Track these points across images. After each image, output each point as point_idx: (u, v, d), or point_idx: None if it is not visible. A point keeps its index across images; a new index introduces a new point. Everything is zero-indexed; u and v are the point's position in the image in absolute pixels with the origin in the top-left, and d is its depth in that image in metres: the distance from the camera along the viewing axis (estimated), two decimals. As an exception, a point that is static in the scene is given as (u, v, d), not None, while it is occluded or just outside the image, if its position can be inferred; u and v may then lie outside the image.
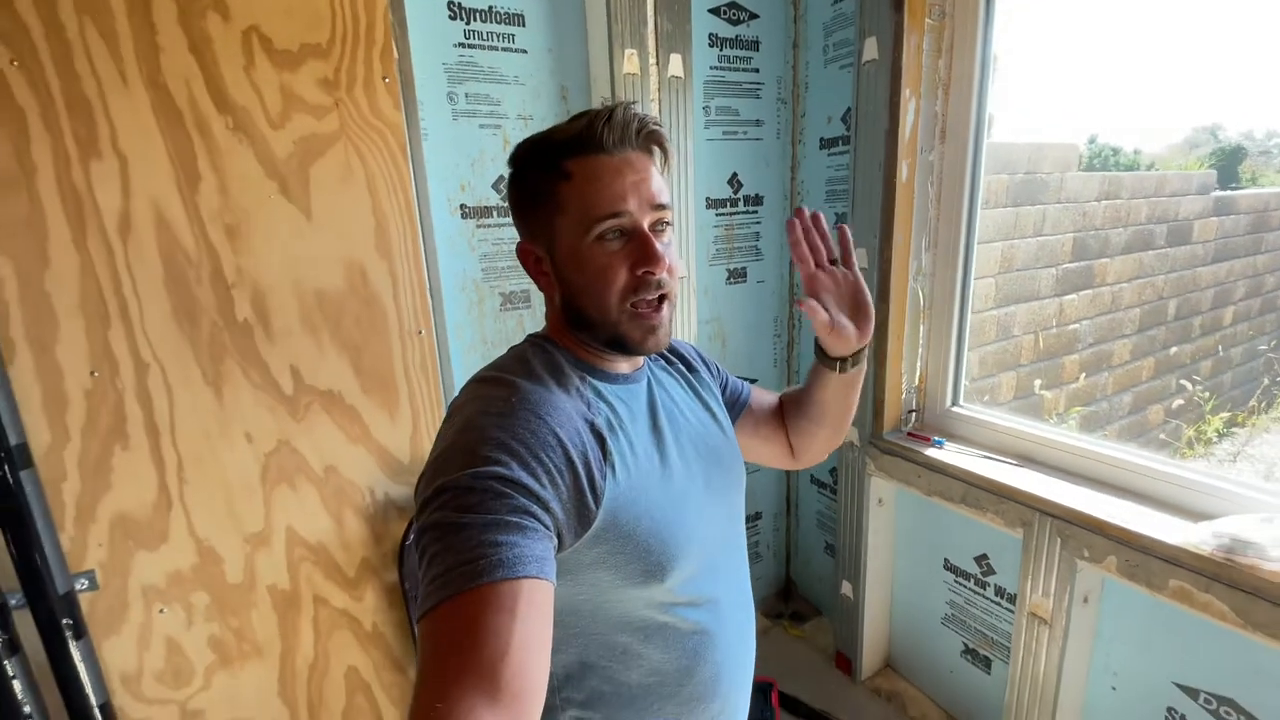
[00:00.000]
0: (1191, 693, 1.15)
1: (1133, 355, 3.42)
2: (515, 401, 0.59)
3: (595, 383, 0.67)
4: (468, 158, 1.37)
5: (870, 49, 1.46)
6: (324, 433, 1.17)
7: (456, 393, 1.19)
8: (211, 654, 1.15)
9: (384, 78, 1.13)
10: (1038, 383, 2.92)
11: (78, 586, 1.03)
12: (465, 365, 1.44)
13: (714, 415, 0.79)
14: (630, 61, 1.42)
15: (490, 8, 1.34)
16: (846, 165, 1.64)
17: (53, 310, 0.97)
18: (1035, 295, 2.84)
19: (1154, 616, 1.17)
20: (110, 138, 0.97)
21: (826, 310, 0.77)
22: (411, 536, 1.19)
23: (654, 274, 0.62)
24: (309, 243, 1.11)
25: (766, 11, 1.69)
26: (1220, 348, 3.94)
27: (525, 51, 1.39)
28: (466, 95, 1.35)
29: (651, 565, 0.62)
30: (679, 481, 0.67)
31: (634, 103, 0.64)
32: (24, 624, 0.96)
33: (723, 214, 1.77)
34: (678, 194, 1.57)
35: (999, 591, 1.47)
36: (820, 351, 0.82)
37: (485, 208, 1.41)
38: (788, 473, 2.06)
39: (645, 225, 0.62)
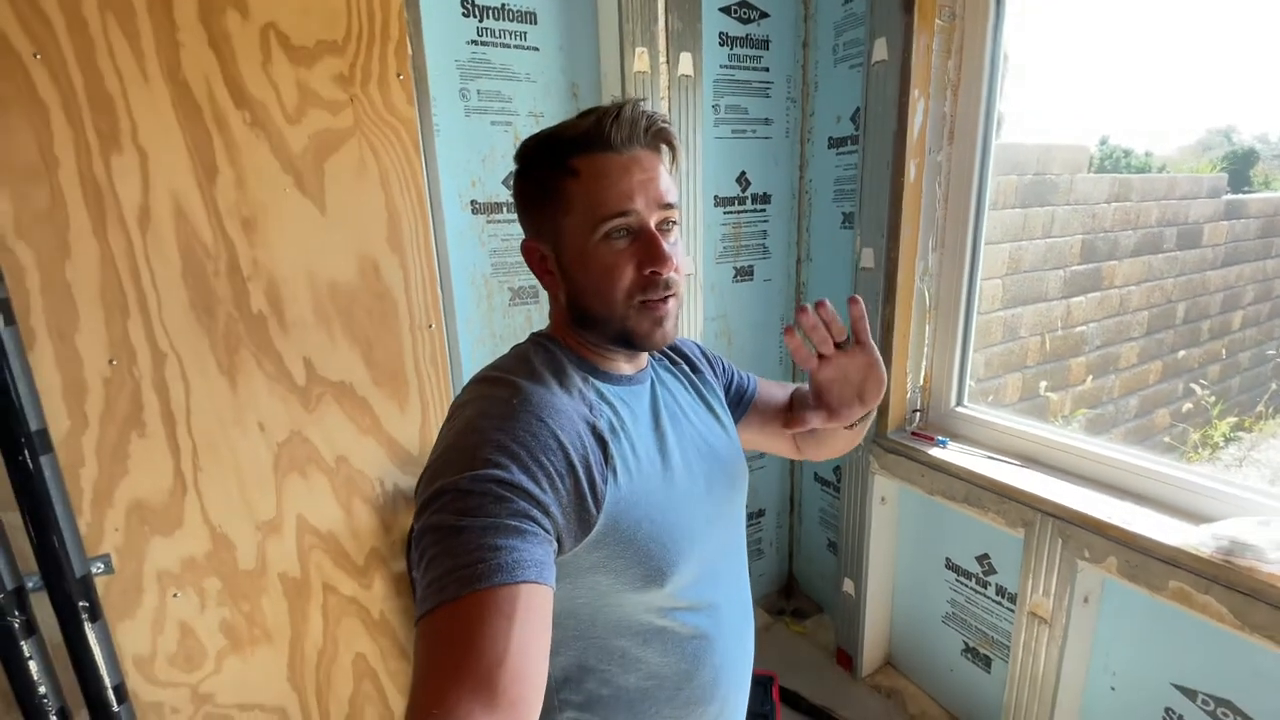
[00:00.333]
0: (1190, 694, 1.16)
1: (1140, 358, 3.40)
2: (516, 403, 0.59)
3: (598, 384, 0.67)
4: (479, 154, 1.39)
5: (880, 49, 1.46)
6: (335, 423, 1.19)
7: (465, 381, 1.20)
8: (223, 638, 1.17)
9: (398, 74, 1.14)
10: (1043, 384, 2.91)
11: (94, 570, 1.05)
12: (474, 359, 1.45)
13: (717, 417, 0.79)
14: (641, 60, 1.43)
15: (503, 5, 1.35)
16: (854, 164, 1.65)
17: (73, 300, 0.99)
18: (1043, 297, 2.84)
19: (1153, 617, 1.18)
20: (131, 132, 0.99)
21: (829, 403, 0.75)
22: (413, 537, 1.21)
23: (661, 274, 0.62)
24: (323, 236, 1.13)
25: (777, 11, 1.69)
26: (1228, 352, 3.92)
27: (537, 49, 1.40)
28: (478, 92, 1.36)
29: (651, 570, 0.62)
30: (681, 485, 0.67)
31: (643, 100, 0.64)
32: (41, 606, 0.98)
33: (730, 212, 1.78)
34: (686, 191, 1.58)
35: (1000, 591, 1.48)
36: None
37: (495, 204, 1.43)
38: (791, 470, 2.07)
39: (652, 224, 0.62)
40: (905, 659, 1.78)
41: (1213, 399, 3.67)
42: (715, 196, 1.74)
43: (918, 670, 1.75)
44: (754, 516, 2.05)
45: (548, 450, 0.56)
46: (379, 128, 1.14)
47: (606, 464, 0.60)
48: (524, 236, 0.69)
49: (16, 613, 0.94)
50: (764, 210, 1.83)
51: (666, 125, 0.63)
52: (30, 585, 0.99)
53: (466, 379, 1.37)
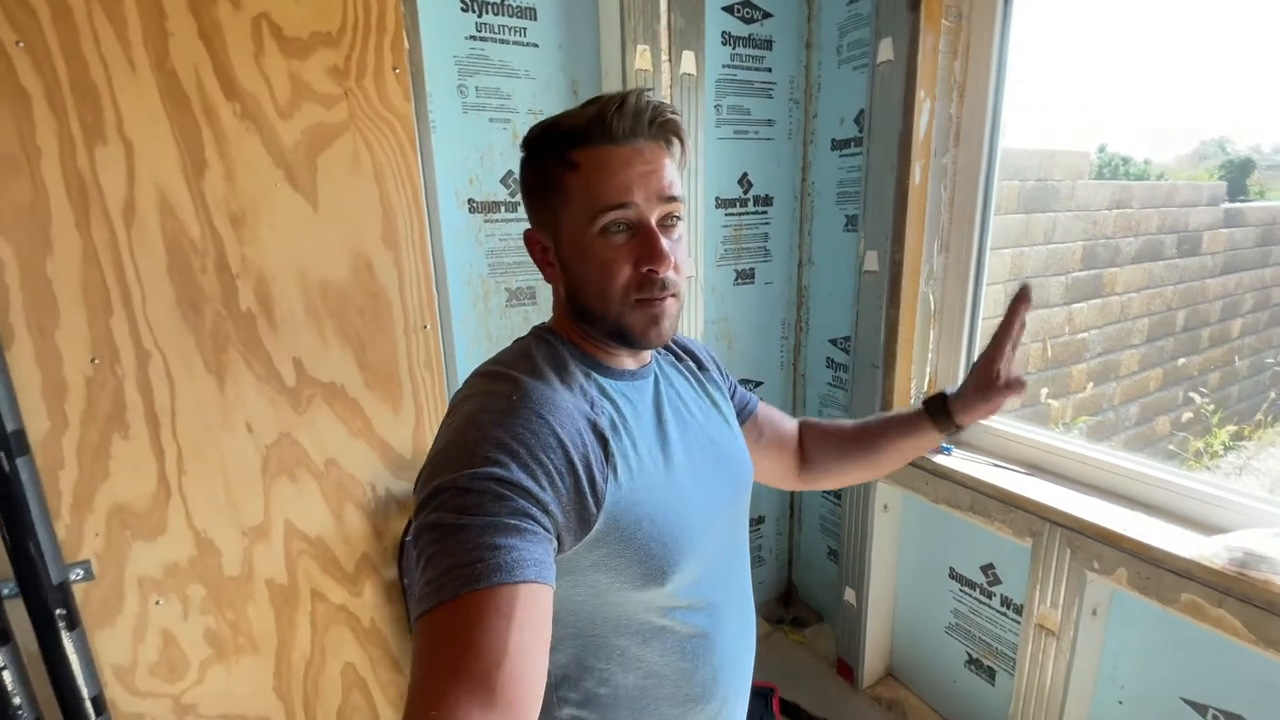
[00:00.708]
0: (1200, 709, 1.13)
1: (1141, 366, 3.39)
2: (517, 400, 0.58)
3: (600, 379, 0.65)
4: (476, 151, 1.36)
5: (885, 49, 1.44)
6: (326, 426, 1.15)
7: (460, 383, 1.17)
8: (207, 647, 1.14)
9: (394, 68, 1.11)
10: (1044, 391, 2.89)
11: (72, 577, 1.01)
12: (470, 361, 1.42)
13: (722, 414, 0.77)
14: (642, 58, 1.40)
15: (502, 1, 1.33)
16: (858, 167, 1.62)
17: (54, 296, 0.96)
18: (1044, 303, 2.82)
19: (1163, 630, 1.15)
20: (116, 123, 0.96)
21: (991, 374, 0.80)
22: (411, 534, 1.18)
23: (658, 273, 0.60)
24: (315, 233, 1.09)
25: (780, 11, 1.67)
26: (1227, 360, 3.91)
27: (536, 46, 1.38)
28: (477, 88, 1.33)
29: (652, 569, 0.61)
30: (683, 482, 0.66)
31: (649, 90, 0.62)
32: (16, 613, 0.95)
33: (732, 214, 1.75)
34: (687, 192, 1.55)
35: (1005, 602, 1.45)
36: (944, 412, 0.84)
37: (493, 202, 1.40)
38: (791, 476, 2.04)
39: (653, 219, 0.60)
40: (907, 670, 1.75)
41: (1212, 407, 3.66)
42: (717, 198, 1.71)
43: (920, 682, 1.72)
44: (753, 523, 2.02)
45: (547, 448, 0.55)
46: (374, 123, 1.11)
47: (607, 462, 0.59)
48: (528, 226, 0.68)
49: (-11, 621, 0.91)
50: (766, 212, 1.80)
51: (674, 116, 0.61)
52: (5, 592, 0.95)
53: (462, 381, 1.35)
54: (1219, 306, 3.76)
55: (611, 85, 1.44)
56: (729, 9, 1.61)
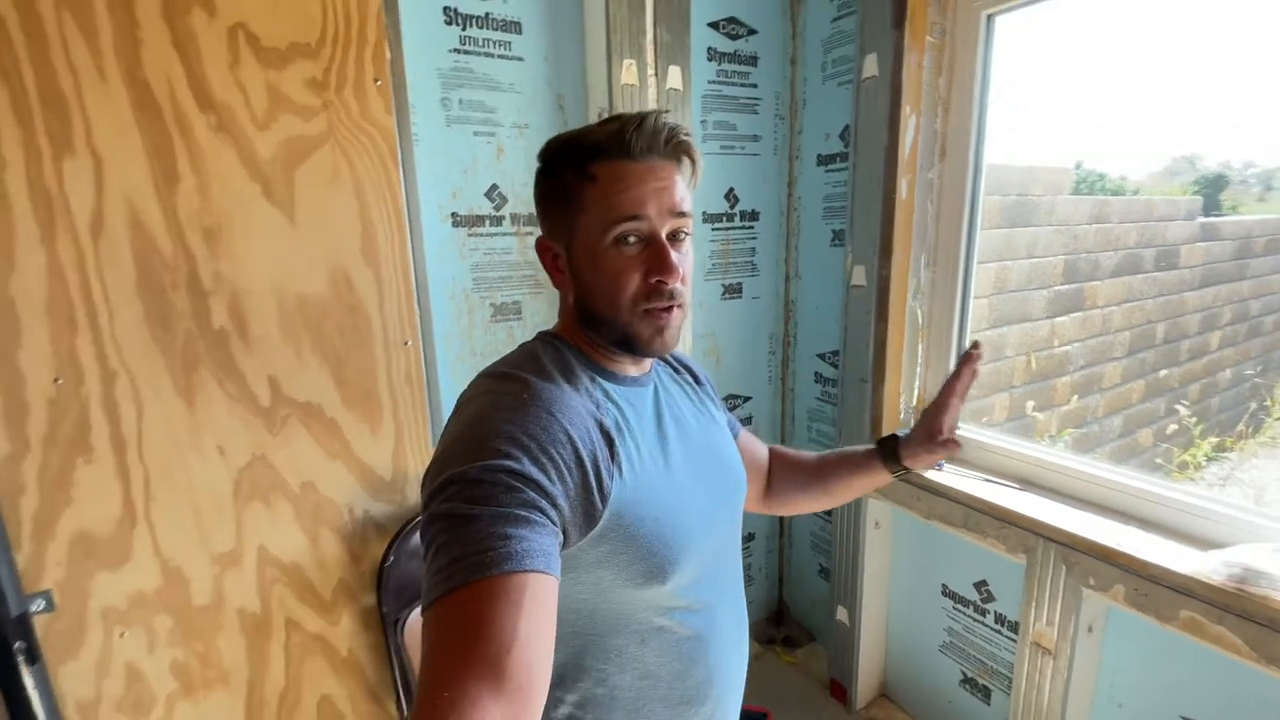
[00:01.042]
0: (1200, 728, 1.11)
1: (1123, 378, 3.42)
2: (527, 397, 0.59)
3: (604, 383, 0.67)
4: (460, 165, 1.34)
5: (870, 65, 1.45)
6: (302, 447, 1.11)
7: (444, 404, 1.17)
8: (174, 681, 1.08)
9: (375, 80, 1.09)
10: (1030, 404, 2.91)
11: (33, 608, 0.96)
12: (453, 377, 1.39)
13: (718, 424, 0.80)
14: (629, 72, 1.39)
15: (487, 14, 1.31)
16: (844, 182, 1.62)
17: (16, 314, 0.92)
18: (1028, 317, 2.84)
19: (1161, 647, 1.13)
20: (85, 134, 0.93)
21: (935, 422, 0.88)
22: (390, 559, 1.14)
23: (667, 284, 0.63)
24: (292, 248, 1.06)
25: (765, 27, 1.68)
26: (1207, 372, 3.97)
27: (521, 59, 1.37)
28: (460, 101, 1.32)
29: (654, 567, 0.62)
30: (682, 485, 0.67)
31: (667, 111, 0.65)
32: (-31, 650, 0.89)
33: (719, 229, 1.74)
34: (674, 207, 1.54)
35: (999, 619, 1.43)
36: (892, 457, 0.90)
37: (477, 216, 1.38)
38: (782, 493, 2.02)
39: (663, 233, 0.63)
40: (901, 690, 1.72)
41: (1194, 419, 3.70)
42: (704, 213, 1.70)
43: (914, 702, 1.69)
44: (744, 541, 1.99)
45: (557, 443, 0.56)
46: (354, 135, 1.09)
47: (613, 460, 0.61)
48: (539, 235, 0.70)
49: (-63, 659, 0.86)
50: (752, 227, 1.80)
51: (688, 138, 0.64)
52: (-44, 627, 0.90)
53: (445, 399, 1.32)
54: (1198, 319, 3.82)
55: (597, 99, 1.43)
56: (714, 25, 1.61)
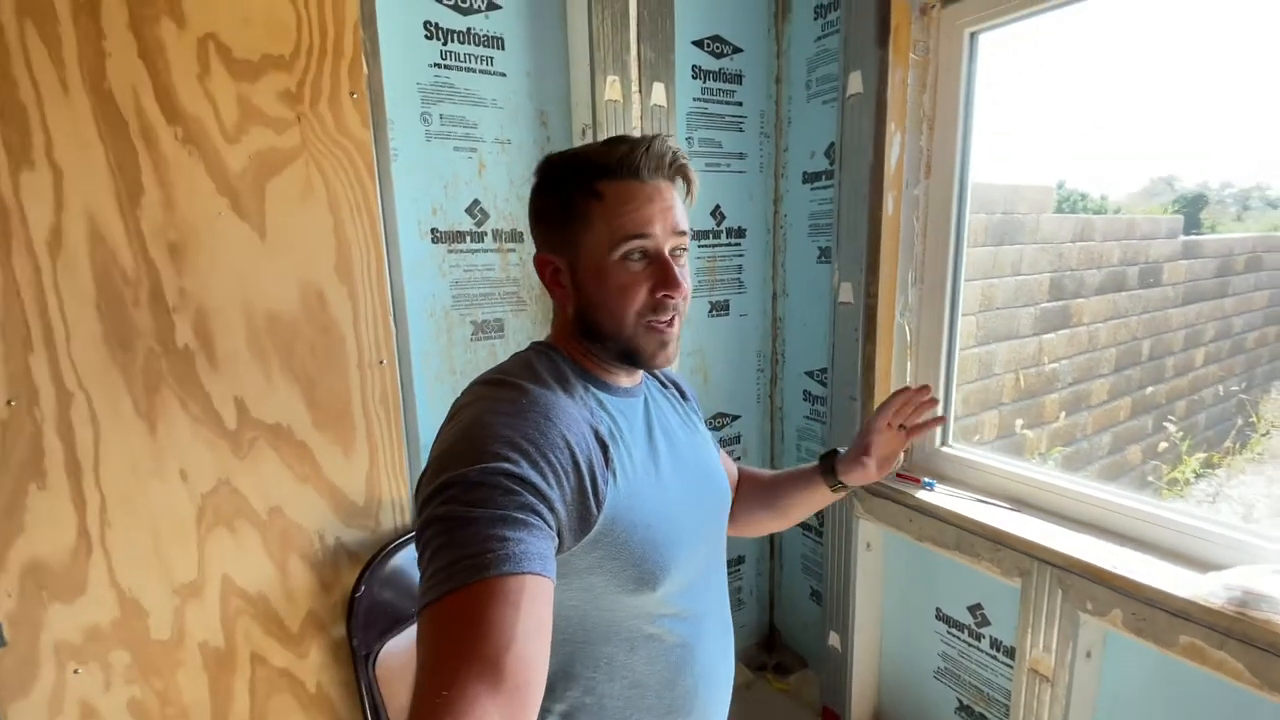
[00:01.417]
0: (1203, 757, 1.08)
1: (1110, 395, 3.43)
2: (525, 403, 0.60)
3: (597, 393, 0.69)
4: (440, 180, 1.31)
5: (855, 83, 1.44)
6: (269, 471, 1.07)
7: (422, 425, 1.13)
8: (130, 721, 1.02)
9: (351, 93, 1.07)
10: (1019, 422, 2.90)
11: (-24, 645, 0.91)
12: (431, 397, 1.35)
13: (703, 438, 0.82)
14: (612, 88, 1.38)
15: (469, 29, 1.30)
16: (830, 199, 1.62)
17: (-36, 332, 0.87)
18: (1015, 334, 2.84)
19: (1161, 673, 1.10)
20: (45, 147, 0.89)
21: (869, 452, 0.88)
22: (361, 588, 1.08)
23: (672, 298, 0.66)
24: (262, 264, 1.03)
25: (750, 46, 1.68)
26: (1193, 388, 3.99)
27: (504, 75, 1.35)
28: (441, 116, 1.29)
29: (645, 573, 0.63)
30: (672, 495, 0.69)
31: (670, 135, 0.69)
32: (-98, 692, 0.83)
33: (705, 245, 1.73)
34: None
35: (994, 644, 1.39)
36: (829, 471, 0.91)
37: (458, 232, 1.35)
38: (771, 514, 1.98)
39: (667, 250, 0.65)
40: (895, 717, 1.67)
41: (1181, 435, 3.70)
42: (690, 229, 1.68)
43: (909, 730, 1.64)
44: (733, 564, 1.94)
45: (555, 448, 0.57)
46: (329, 148, 1.06)
47: (607, 467, 0.62)
48: (536, 251, 0.72)
49: None
50: (739, 244, 1.78)
51: (687, 162, 0.68)
52: (-112, 668, 0.84)
53: (422, 419, 1.28)
54: (1182, 336, 3.85)
55: (581, 116, 1.41)
56: (699, 43, 1.61)
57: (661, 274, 0.65)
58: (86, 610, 0.99)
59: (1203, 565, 1.06)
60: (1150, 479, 3.52)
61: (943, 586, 1.48)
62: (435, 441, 0.61)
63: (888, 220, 1.45)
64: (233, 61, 0.98)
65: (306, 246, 1.06)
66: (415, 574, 1.17)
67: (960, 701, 1.49)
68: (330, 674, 1.16)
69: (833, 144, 1.58)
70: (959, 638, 1.46)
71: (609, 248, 0.64)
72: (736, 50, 1.67)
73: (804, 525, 1.88)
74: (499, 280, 1.41)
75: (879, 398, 1.52)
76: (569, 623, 0.64)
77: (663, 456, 0.71)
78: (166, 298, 0.97)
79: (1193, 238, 3.87)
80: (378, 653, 1.10)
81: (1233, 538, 1.05)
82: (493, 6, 1.32)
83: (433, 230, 1.32)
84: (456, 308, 1.37)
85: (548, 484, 0.55)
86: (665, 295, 0.65)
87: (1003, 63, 1.44)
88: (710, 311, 1.77)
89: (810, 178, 1.70)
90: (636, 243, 0.64)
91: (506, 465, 0.54)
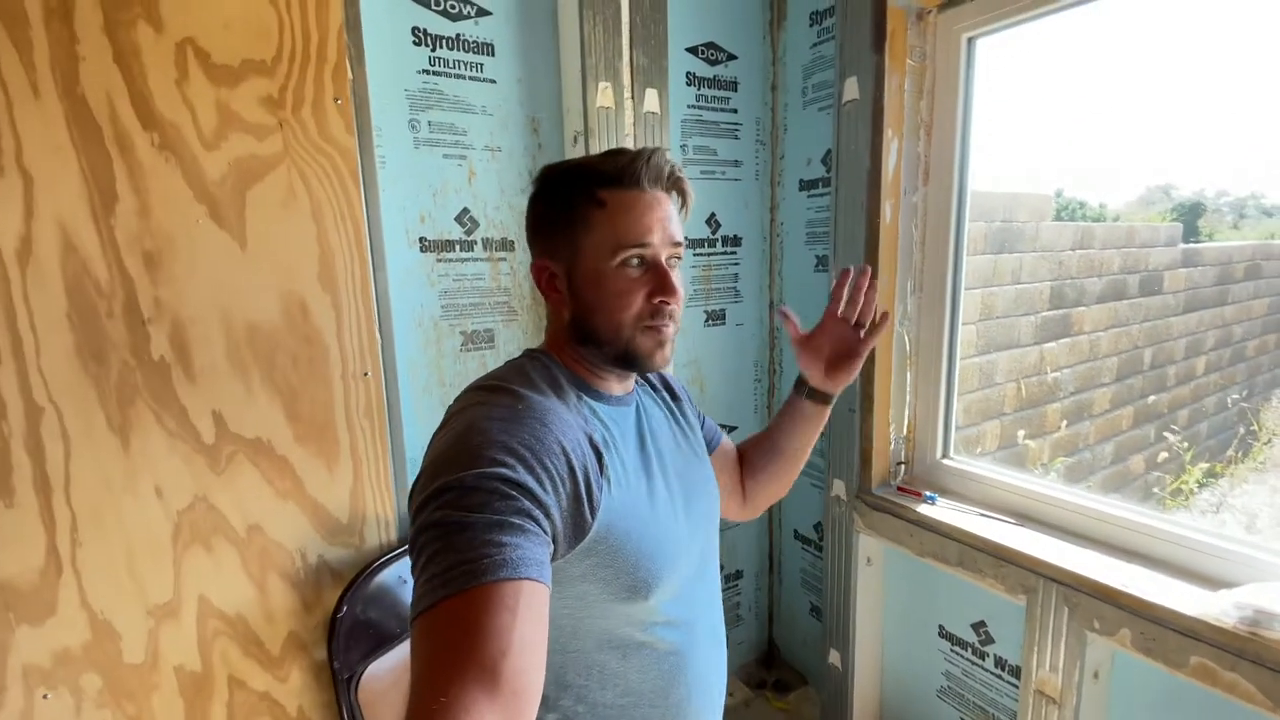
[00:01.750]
0: (1217, 782, 1.03)
1: (1112, 404, 3.40)
2: (521, 408, 0.60)
3: (590, 401, 0.69)
4: (429, 188, 1.29)
5: (851, 89, 1.42)
6: (249, 487, 1.03)
7: (409, 438, 1.18)
8: (100, 750, 0.98)
9: (335, 99, 1.04)
10: (1021, 432, 2.86)
11: (-64, 671, 0.87)
12: (419, 409, 1.31)
13: (693, 445, 0.82)
14: (604, 95, 1.36)
15: (458, 35, 1.28)
16: (827, 207, 1.59)
17: (-72, 345, 0.84)
18: (1016, 343, 2.82)
19: (1171, 695, 1.06)
20: (15, 153, 0.87)
21: (810, 343, 0.92)
22: (342, 609, 1.05)
23: (669, 304, 0.67)
24: (241, 273, 1.00)
25: (745, 53, 1.66)
26: (1195, 397, 3.96)
27: (494, 81, 1.33)
28: (430, 123, 1.27)
29: (638, 582, 0.63)
30: (662, 503, 0.69)
31: (668, 149, 0.70)
32: None
33: (701, 254, 1.70)
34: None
35: (999, 663, 1.35)
36: (814, 391, 0.93)
37: (447, 241, 1.32)
38: (770, 528, 1.94)
39: (664, 259, 0.67)
40: (897, 737, 1.63)
41: (1184, 444, 3.67)
42: (685, 238, 1.65)
43: (911, 750, 1.59)
44: (731, 579, 1.90)
45: (551, 454, 0.57)
46: (312, 155, 1.03)
47: (602, 474, 0.62)
48: (533, 258, 0.73)
49: None
50: (735, 253, 1.75)
51: (683, 175, 0.70)
52: None
53: (409, 432, 1.24)
54: (1183, 344, 3.82)
55: (573, 122, 1.39)
56: (693, 50, 1.59)
57: (659, 280, 0.67)
58: (56, 632, 0.95)
59: (1212, 582, 1.03)
60: (1155, 491, 3.48)
61: (945, 603, 1.44)
62: (429, 447, 0.60)
63: (886, 228, 1.42)
64: (212, 66, 0.96)
65: (288, 255, 1.03)
66: (400, 593, 1.14)
67: (964, 721, 1.45)
68: (313, 697, 1.11)
69: (829, 151, 1.56)
70: (962, 656, 1.42)
71: (609, 254, 0.65)
72: (731, 57, 1.65)
73: (803, 538, 1.85)
74: (489, 290, 1.38)
75: (879, 409, 1.49)
76: (561, 631, 0.64)
77: (654, 464, 0.71)
78: (141, 308, 0.94)
79: (1192, 245, 3.85)
80: (361, 675, 1.06)
81: (1242, 553, 1.02)
82: (482, 12, 1.29)
83: (421, 239, 1.29)
84: (446, 318, 1.34)
85: (544, 490, 0.55)
86: (662, 301, 0.67)
87: (1000, 71, 1.42)
88: (706, 321, 1.74)
89: (807, 185, 1.67)
90: (636, 250, 0.66)
91: (503, 470, 0.53)
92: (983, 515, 1.31)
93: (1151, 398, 3.63)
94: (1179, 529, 1.09)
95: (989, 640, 1.36)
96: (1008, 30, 1.30)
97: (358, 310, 1.09)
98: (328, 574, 1.11)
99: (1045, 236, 2.88)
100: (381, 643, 1.09)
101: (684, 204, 0.72)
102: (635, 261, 0.66)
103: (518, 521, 0.52)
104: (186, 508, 1.00)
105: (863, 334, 0.91)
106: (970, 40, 1.34)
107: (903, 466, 1.54)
